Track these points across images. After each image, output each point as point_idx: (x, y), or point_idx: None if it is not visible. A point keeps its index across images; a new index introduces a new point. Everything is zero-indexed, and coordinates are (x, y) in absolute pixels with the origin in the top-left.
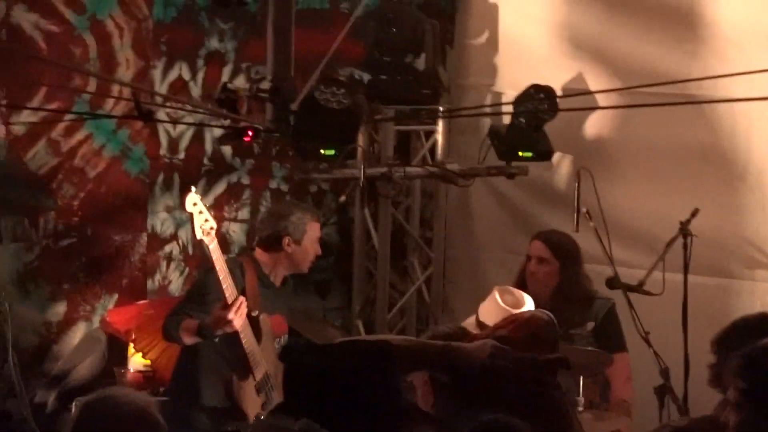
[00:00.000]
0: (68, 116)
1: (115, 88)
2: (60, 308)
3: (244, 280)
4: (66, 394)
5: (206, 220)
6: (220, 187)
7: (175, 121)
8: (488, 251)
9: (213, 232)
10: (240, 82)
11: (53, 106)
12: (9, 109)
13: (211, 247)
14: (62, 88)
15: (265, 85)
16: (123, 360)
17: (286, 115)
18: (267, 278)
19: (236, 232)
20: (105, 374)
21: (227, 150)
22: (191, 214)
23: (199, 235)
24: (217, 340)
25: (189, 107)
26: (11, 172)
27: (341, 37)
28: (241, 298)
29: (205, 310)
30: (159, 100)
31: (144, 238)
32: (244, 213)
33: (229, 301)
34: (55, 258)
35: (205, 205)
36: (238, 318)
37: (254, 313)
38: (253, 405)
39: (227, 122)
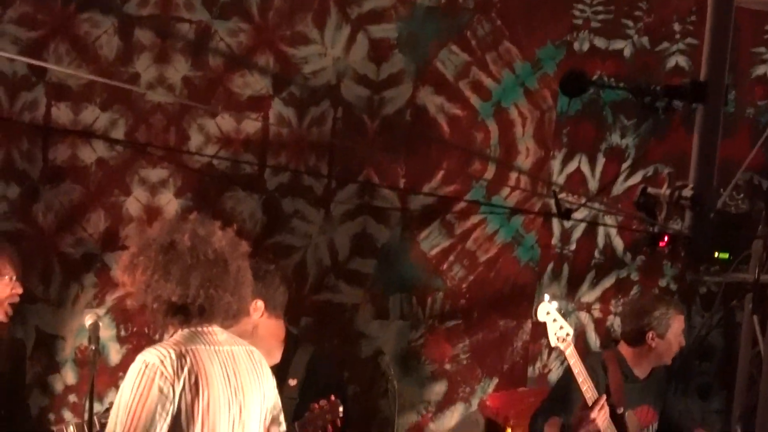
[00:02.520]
0: (471, 203)
1: (513, 176)
2: (440, 388)
3: (606, 377)
4: None
5: (561, 327)
6: (608, 282)
7: (593, 222)
8: None
9: (569, 338)
10: (637, 179)
11: (450, 189)
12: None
13: (567, 353)
14: (461, 173)
15: (687, 192)
16: None
17: (705, 224)
18: (631, 373)
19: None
20: None
21: (618, 245)
22: (545, 323)
23: (554, 343)
24: None
25: (598, 205)
26: (404, 250)
27: (757, 148)
28: (603, 399)
29: (569, 409)
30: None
31: (528, 325)
32: None
33: (590, 402)
34: (440, 338)
35: (560, 312)
36: (600, 418)
37: (619, 410)
38: None
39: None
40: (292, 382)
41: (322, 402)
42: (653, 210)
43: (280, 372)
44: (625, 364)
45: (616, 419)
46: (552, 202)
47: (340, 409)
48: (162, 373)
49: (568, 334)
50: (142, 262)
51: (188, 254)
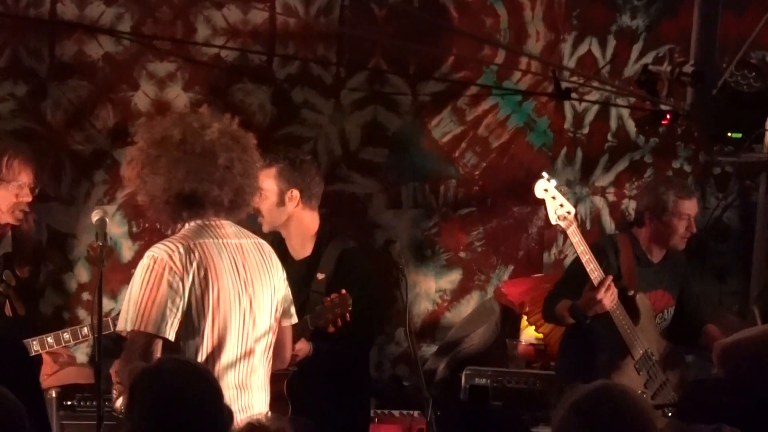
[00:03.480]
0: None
1: (524, 60)
2: (455, 276)
3: (618, 259)
4: (457, 363)
5: (561, 205)
6: (622, 165)
7: (592, 101)
8: None
9: (570, 216)
10: (649, 60)
11: (461, 75)
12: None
13: (568, 231)
14: (471, 59)
15: (688, 68)
16: (515, 332)
17: (707, 100)
18: (645, 256)
19: None
20: (497, 345)
21: (631, 127)
22: (543, 200)
23: (554, 221)
24: (588, 321)
25: (608, 87)
26: (415, 139)
27: (763, 23)
28: (608, 279)
29: (581, 291)
30: (566, 74)
31: (543, 211)
32: None
33: (596, 283)
34: (454, 226)
35: (560, 191)
36: (607, 298)
37: (630, 292)
38: (633, 384)
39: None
40: (320, 276)
41: (333, 295)
42: (654, 87)
43: (310, 265)
44: (639, 246)
45: (627, 301)
46: (563, 84)
47: (349, 302)
48: (171, 268)
49: (569, 212)
50: (137, 156)
51: (176, 148)
